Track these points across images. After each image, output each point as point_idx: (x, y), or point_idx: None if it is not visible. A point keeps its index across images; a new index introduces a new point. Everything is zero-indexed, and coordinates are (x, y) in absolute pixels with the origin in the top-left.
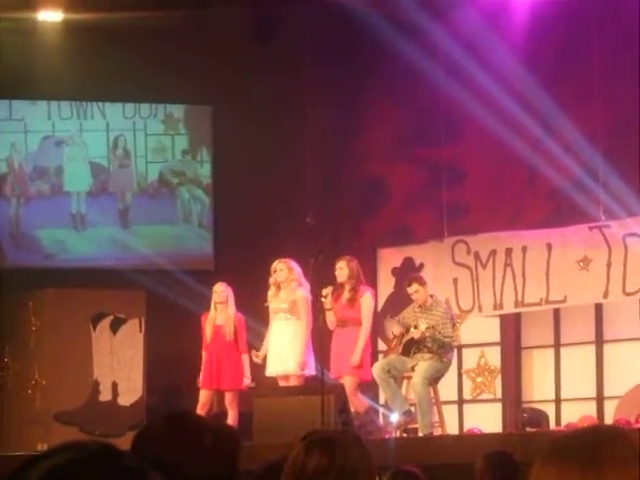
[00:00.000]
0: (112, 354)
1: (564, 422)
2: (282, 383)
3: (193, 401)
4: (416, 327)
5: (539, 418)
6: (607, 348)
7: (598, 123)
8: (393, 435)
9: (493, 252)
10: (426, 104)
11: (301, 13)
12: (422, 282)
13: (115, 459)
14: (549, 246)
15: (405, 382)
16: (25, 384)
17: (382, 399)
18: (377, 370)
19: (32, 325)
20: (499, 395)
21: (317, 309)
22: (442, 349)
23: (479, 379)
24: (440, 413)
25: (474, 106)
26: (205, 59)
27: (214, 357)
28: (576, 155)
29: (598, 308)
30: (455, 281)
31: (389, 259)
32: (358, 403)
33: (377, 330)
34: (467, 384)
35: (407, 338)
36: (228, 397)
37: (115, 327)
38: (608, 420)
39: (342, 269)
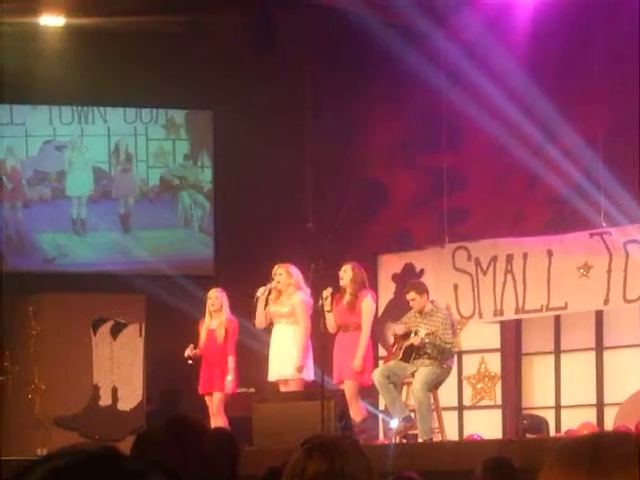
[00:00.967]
0: (112, 359)
1: (564, 429)
2: (283, 388)
3: (193, 406)
4: (416, 333)
5: (539, 425)
6: (607, 355)
7: (599, 130)
8: (393, 441)
9: (494, 258)
10: (427, 110)
11: (302, 18)
12: (420, 290)
13: (116, 461)
14: (550, 252)
15: (405, 388)
16: (25, 389)
17: (382, 405)
18: (377, 376)
19: (32, 329)
20: (499, 401)
21: (317, 313)
22: (442, 355)
23: (479, 385)
24: (440, 419)
25: (475, 112)
26: (206, 64)
27: (208, 361)
28: (577, 161)
29: (598, 315)
30: (456, 287)
31: (389, 265)
32: (358, 409)
33: (377, 336)
34: (467, 390)
35: (407, 344)
36: (216, 401)
37: (115, 332)
38: (608, 427)
39: (346, 272)
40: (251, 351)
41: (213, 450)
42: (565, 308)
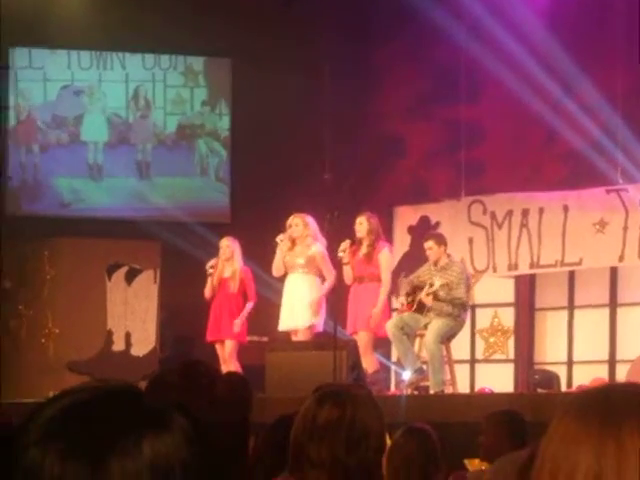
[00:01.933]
0: (126, 304)
1: (575, 384)
2: (294, 338)
3: (206, 353)
4: (431, 285)
5: (550, 380)
6: (621, 311)
7: (619, 86)
8: (404, 393)
9: (509, 212)
10: (447, 63)
11: None
12: (439, 241)
13: (136, 399)
14: (566, 208)
15: (418, 340)
16: (38, 333)
17: (394, 357)
18: (390, 327)
19: (47, 274)
20: (511, 356)
21: (334, 264)
22: (456, 308)
23: (492, 339)
24: (452, 372)
25: (495, 66)
26: (226, 12)
27: (218, 310)
28: (596, 117)
29: (613, 271)
30: (470, 241)
31: (405, 217)
32: (371, 360)
33: (391, 288)
34: (480, 344)
35: (421, 295)
36: (228, 348)
37: (130, 278)
38: None
39: (362, 224)
40: (264, 300)
41: (226, 394)
42: (580, 264)
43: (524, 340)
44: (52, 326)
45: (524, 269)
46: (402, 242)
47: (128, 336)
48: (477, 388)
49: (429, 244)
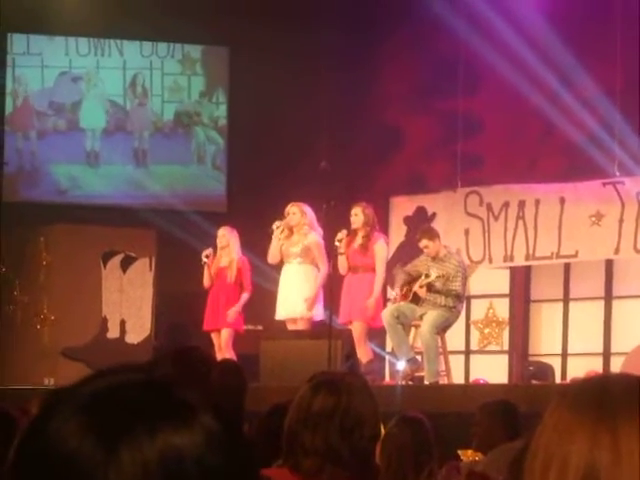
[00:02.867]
0: (121, 292)
1: (570, 376)
2: (290, 327)
3: (200, 342)
4: (427, 276)
5: (545, 371)
6: (616, 304)
7: (617, 78)
8: (399, 383)
9: (506, 204)
10: (445, 55)
11: None
12: (432, 236)
13: (167, 390)
14: (562, 200)
15: (413, 330)
16: (34, 318)
17: (389, 347)
18: (386, 316)
19: (43, 260)
20: (506, 347)
21: (329, 254)
22: (451, 299)
23: (487, 330)
24: (447, 362)
25: (493, 58)
26: (224, 0)
27: (215, 299)
28: (593, 110)
29: (609, 264)
30: (466, 232)
31: (401, 207)
32: (365, 350)
33: (387, 278)
34: (474, 335)
35: (418, 286)
36: (224, 337)
37: (125, 265)
38: None
39: (357, 215)
40: (260, 289)
41: (220, 381)
42: (575, 256)
43: (519, 332)
44: (47, 312)
45: (520, 261)
46: (398, 233)
47: (123, 323)
48: (472, 379)
49: (424, 243)
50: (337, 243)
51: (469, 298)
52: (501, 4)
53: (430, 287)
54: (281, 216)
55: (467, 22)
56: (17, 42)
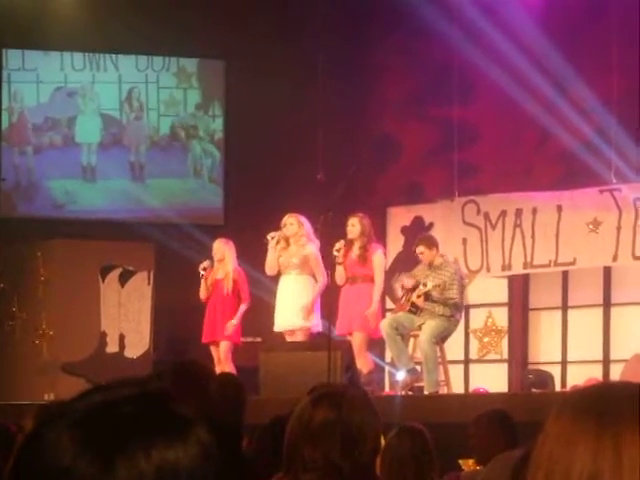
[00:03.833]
0: (120, 306)
1: (569, 384)
2: (289, 338)
3: (200, 355)
4: (424, 285)
5: (544, 379)
6: (614, 311)
7: (612, 85)
8: (399, 393)
9: (503, 213)
10: (440, 63)
11: None
12: (429, 244)
13: (164, 404)
14: (559, 208)
15: (412, 340)
16: (32, 334)
17: (388, 357)
18: (385, 326)
19: (40, 275)
20: (505, 355)
21: (327, 265)
22: (450, 308)
23: (486, 339)
24: (446, 372)
25: (489, 66)
26: (219, 13)
27: (212, 311)
28: (589, 117)
29: (607, 271)
30: (464, 241)
31: (399, 217)
32: (365, 361)
33: (385, 288)
34: (474, 344)
35: (415, 296)
36: (223, 350)
37: (124, 279)
38: None
39: (354, 226)
40: (258, 300)
41: (219, 395)
42: (573, 264)
43: (518, 340)
44: (46, 327)
45: (518, 269)
46: (396, 243)
47: (122, 338)
48: (471, 388)
49: (420, 249)
50: (335, 253)
51: (468, 307)
52: (496, 12)
53: (427, 296)
54: (278, 228)
55: (462, 31)
56: (12, 58)
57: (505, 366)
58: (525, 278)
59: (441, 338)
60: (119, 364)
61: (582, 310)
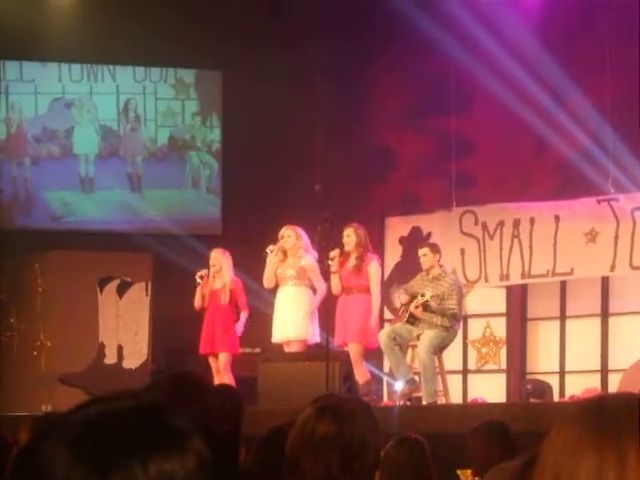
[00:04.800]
0: (118, 317)
1: (568, 394)
2: (287, 349)
3: (198, 365)
4: (423, 295)
5: (543, 389)
6: (612, 321)
7: (609, 95)
8: (397, 403)
9: (501, 223)
10: (437, 74)
11: None
12: (434, 249)
13: (160, 416)
14: (557, 218)
15: (410, 350)
16: (30, 346)
17: (386, 367)
18: (383, 337)
19: (38, 287)
20: (504, 366)
21: (324, 276)
22: (448, 319)
23: (484, 349)
24: (444, 382)
25: (485, 76)
26: (216, 24)
27: (210, 322)
28: (586, 127)
29: (604, 281)
30: (462, 251)
31: (397, 228)
32: (361, 372)
33: (383, 298)
34: (472, 354)
35: (413, 306)
36: (221, 361)
37: (121, 290)
38: None
39: (350, 236)
40: (256, 311)
41: (216, 406)
42: (571, 274)
43: (516, 350)
44: (44, 339)
45: (516, 279)
46: (393, 253)
47: (120, 349)
48: (470, 398)
49: (424, 251)
50: (330, 262)
51: (466, 318)
52: (491, 23)
53: (426, 307)
54: (276, 239)
55: (458, 42)
56: (10, 69)
57: (503, 376)
58: (523, 288)
59: (439, 348)
60: (117, 375)
61: (580, 320)
